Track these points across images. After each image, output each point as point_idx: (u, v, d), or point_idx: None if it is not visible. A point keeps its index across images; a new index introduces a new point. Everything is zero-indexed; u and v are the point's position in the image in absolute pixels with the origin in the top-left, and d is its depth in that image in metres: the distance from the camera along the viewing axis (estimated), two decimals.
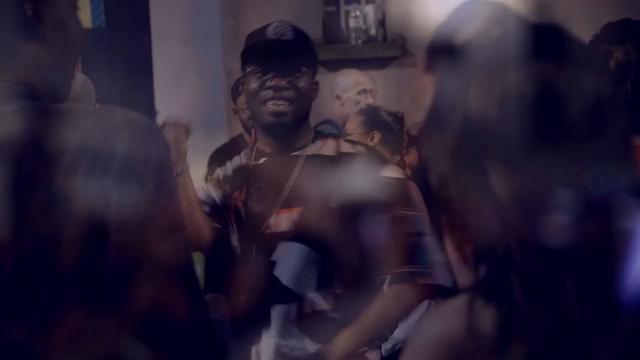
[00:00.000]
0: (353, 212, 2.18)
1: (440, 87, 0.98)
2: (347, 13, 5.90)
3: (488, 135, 0.91)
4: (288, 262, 2.20)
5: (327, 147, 2.28)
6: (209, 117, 5.12)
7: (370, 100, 4.19)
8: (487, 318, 0.90)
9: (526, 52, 0.92)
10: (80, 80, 2.80)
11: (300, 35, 2.27)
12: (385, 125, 3.30)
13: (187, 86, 5.40)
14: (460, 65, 0.96)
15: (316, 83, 2.30)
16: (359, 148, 2.32)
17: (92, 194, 1.12)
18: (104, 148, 1.13)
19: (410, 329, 2.59)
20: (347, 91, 4.24)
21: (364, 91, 4.25)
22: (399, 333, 2.66)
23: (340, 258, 2.18)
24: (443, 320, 0.96)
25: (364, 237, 2.19)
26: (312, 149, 2.27)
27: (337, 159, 2.25)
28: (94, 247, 1.11)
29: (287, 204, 2.23)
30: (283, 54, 2.22)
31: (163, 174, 1.17)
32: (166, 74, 5.67)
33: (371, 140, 3.23)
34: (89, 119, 1.17)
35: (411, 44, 5.65)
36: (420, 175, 2.80)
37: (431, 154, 0.97)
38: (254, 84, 2.24)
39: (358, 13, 5.85)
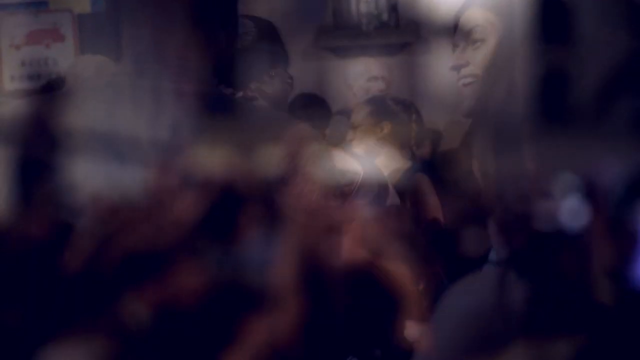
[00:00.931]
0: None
1: (485, 78, 1.00)
2: None
3: (523, 118, 0.89)
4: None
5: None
6: None
7: (381, 87, 4.12)
8: (517, 292, 0.89)
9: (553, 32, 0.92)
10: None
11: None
12: (394, 115, 3.12)
13: None
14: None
15: (291, 78, 2.10)
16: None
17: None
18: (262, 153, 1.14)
19: None
20: (357, 79, 4.18)
21: (374, 78, 4.18)
22: None
23: None
24: (472, 292, 0.96)
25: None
26: None
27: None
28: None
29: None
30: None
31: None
32: None
33: (381, 131, 3.07)
34: (263, 123, 1.20)
35: (424, 30, 5.56)
36: (432, 166, 2.73)
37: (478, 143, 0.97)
38: None
39: None
